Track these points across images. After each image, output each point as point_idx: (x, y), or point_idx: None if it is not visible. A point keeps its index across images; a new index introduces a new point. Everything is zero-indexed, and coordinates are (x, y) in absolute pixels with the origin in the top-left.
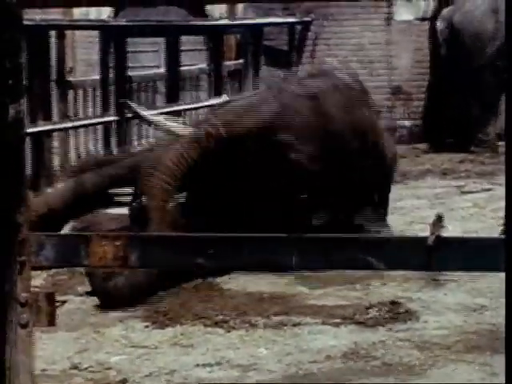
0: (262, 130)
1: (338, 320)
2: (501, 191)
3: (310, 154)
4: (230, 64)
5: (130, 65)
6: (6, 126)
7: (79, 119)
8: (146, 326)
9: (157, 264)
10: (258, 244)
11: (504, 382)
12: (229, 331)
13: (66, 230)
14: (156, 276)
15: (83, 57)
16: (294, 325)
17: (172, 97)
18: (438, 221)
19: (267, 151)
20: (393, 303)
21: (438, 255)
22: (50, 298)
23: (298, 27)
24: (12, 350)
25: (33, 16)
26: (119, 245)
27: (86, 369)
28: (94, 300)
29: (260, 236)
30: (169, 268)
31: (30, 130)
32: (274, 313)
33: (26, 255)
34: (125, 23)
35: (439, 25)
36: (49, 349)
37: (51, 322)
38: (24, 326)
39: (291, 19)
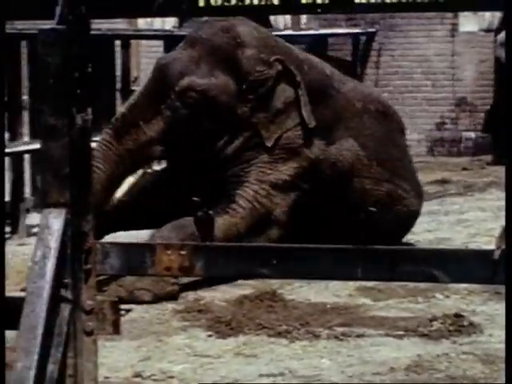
0: None
1: (401, 332)
2: None
3: None
4: None
5: None
6: (74, 134)
7: None
8: (209, 336)
9: (221, 273)
10: (323, 255)
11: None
12: (292, 342)
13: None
14: None
15: (148, 66)
16: (357, 336)
17: None
18: (504, 234)
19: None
20: (456, 316)
21: (503, 268)
22: (115, 306)
23: (363, 38)
24: (77, 357)
25: (98, 25)
26: (184, 254)
27: (149, 377)
28: (158, 308)
29: (325, 247)
30: (233, 278)
31: (95, 139)
32: (337, 324)
33: (91, 263)
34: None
35: (502, 36)
36: (112, 357)
37: (116, 330)
38: (89, 334)
39: (355, 30)
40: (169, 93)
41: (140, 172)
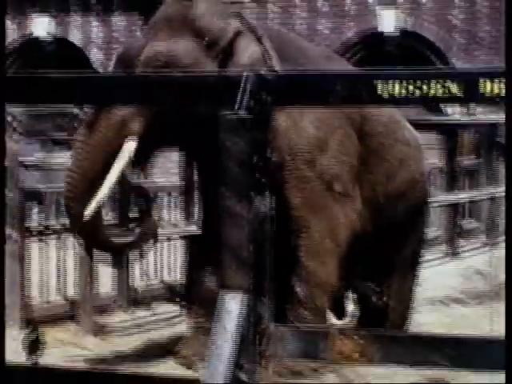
0: None
1: None
2: None
3: None
4: (463, 160)
5: None
6: (253, 218)
7: None
8: None
9: (394, 360)
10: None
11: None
12: None
13: None
14: None
15: None
16: None
17: None
18: None
19: None
20: None
21: None
22: None
23: None
24: None
25: None
26: (359, 340)
27: None
28: None
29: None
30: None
31: None
32: None
33: (266, 346)
34: None
35: None
36: None
37: None
38: None
39: None
40: (134, 67)
41: (127, 154)
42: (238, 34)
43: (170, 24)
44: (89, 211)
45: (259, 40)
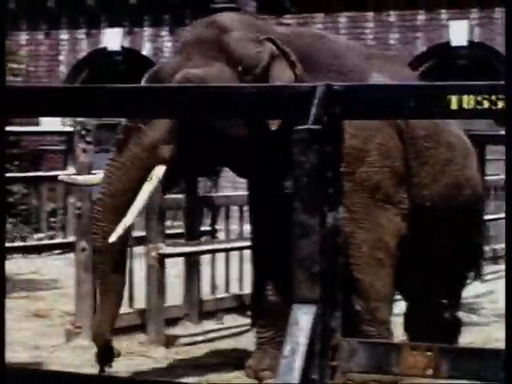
0: None
1: None
2: None
3: None
4: None
5: None
6: (326, 233)
7: None
8: None
9: (466, 376)
10: None
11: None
12: None
13: None
14: None
15: None
16: None
17: None
18: None
19: None
20: None
21: None
22: None
23: None
24: None
25: None
26: (430, 355)
27: None
28: None
29: None
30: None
31: None
32: None
33: (337, 360)
34: None
35: None
36: None
37: None
38: None
39: None
40: None
41: (155, 179)
42: (273, 58)
43: (203, 48)
44: (114, 236)
45: (292, 65)
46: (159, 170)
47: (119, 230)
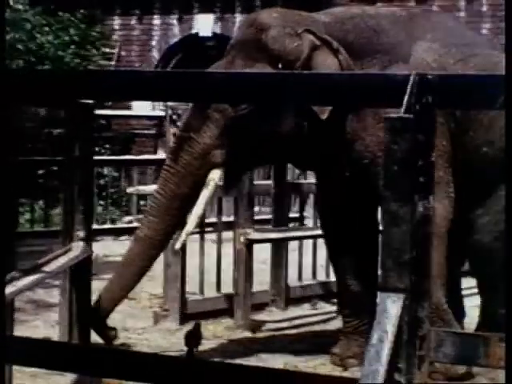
0: None
1: None
2: None
3: None
4: None
5: None
6: (416, 221)
7: None
8: None
9: None
10: None
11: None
12: None
13: None
14: None
15: None
16: None
17: None
18: None
19: None
20: None
21: None
22: None
23: None
24: None
25: None
26: None
27: None
28: None
29: None
30: None
31: None
32: None
33: (425, 350)
34: None
35: None
36: None
37: None
38: None
39: None
40: None
41: (212, 184)
42: (314, 49)
43: (244, 49)
44: (179, 243)
45: (336, 53)
46: (215, 175)
47: (183, 237)
